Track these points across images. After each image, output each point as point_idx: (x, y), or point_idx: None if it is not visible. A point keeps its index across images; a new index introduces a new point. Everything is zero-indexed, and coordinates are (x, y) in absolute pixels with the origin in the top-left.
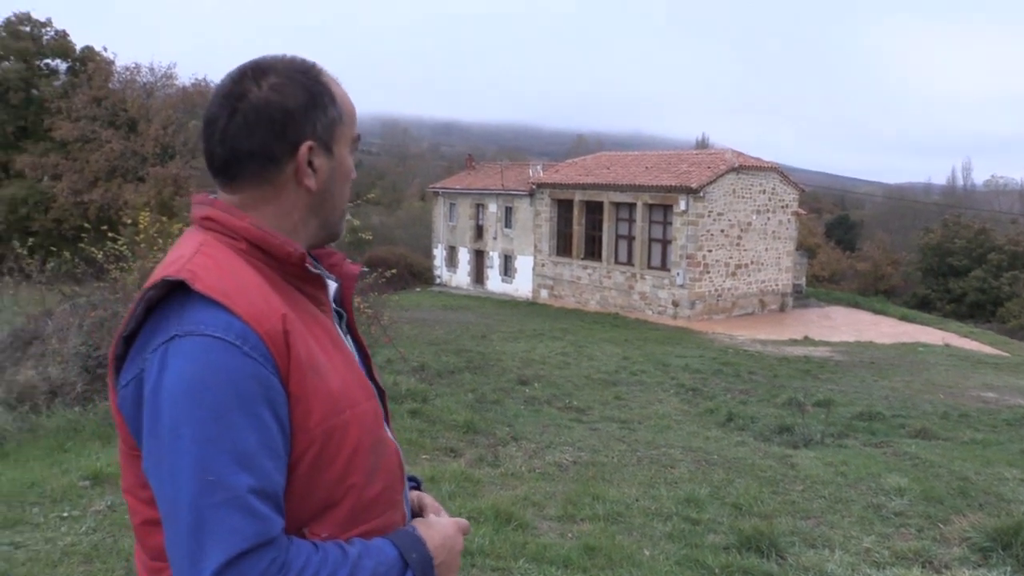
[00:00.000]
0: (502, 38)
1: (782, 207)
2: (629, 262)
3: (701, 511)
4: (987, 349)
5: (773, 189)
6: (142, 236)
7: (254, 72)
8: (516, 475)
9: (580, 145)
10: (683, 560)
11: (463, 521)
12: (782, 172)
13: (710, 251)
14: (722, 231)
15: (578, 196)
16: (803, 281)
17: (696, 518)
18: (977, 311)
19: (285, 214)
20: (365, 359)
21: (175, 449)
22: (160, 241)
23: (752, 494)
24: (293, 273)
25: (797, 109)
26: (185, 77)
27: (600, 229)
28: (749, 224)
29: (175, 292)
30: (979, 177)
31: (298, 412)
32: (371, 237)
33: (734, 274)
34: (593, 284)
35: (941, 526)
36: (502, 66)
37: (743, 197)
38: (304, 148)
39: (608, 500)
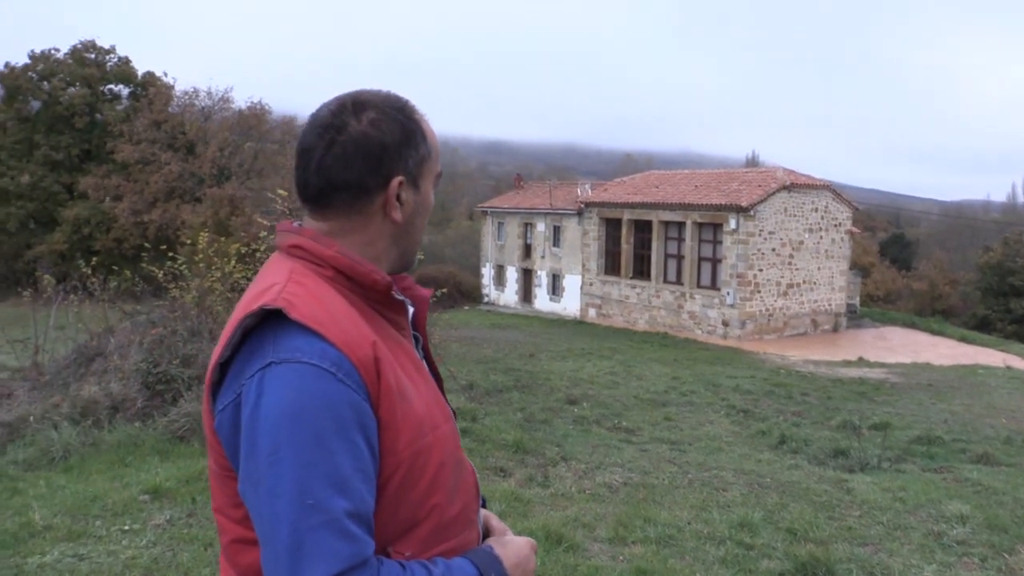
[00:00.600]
0: (549, 57)
1: (835, 225)
2: (678, 281)
3: (755, 536)
4: None
5: (826, 207)
6: (200, 256)
7: (354, 106)
8: (566, 496)
9: (628, 164)
10: None
11: (533, 540)
12: (835, 190)
13: (761, 270)
14: (773, 250)
15: (627, 215)
16: (857, 301)
17: (750, 543)
18: None
19: (370, 243)
20: (437, 380)
21: (274, 472)
22: (218, 261)
23: (807, 519)
24: (378, 300)
25: (849, 125)
26: (241, 101)
27: (649, 248)
28: (801, 243)
29: (269, 319)
30: None
31: (387, 437)
32: (422, 256)
33: (785, 293)
34: (642, 303)
35: (1006, 556)
36: (549, 85)
37: (794, 215)
38: (395, 182)
39: (659, 523)
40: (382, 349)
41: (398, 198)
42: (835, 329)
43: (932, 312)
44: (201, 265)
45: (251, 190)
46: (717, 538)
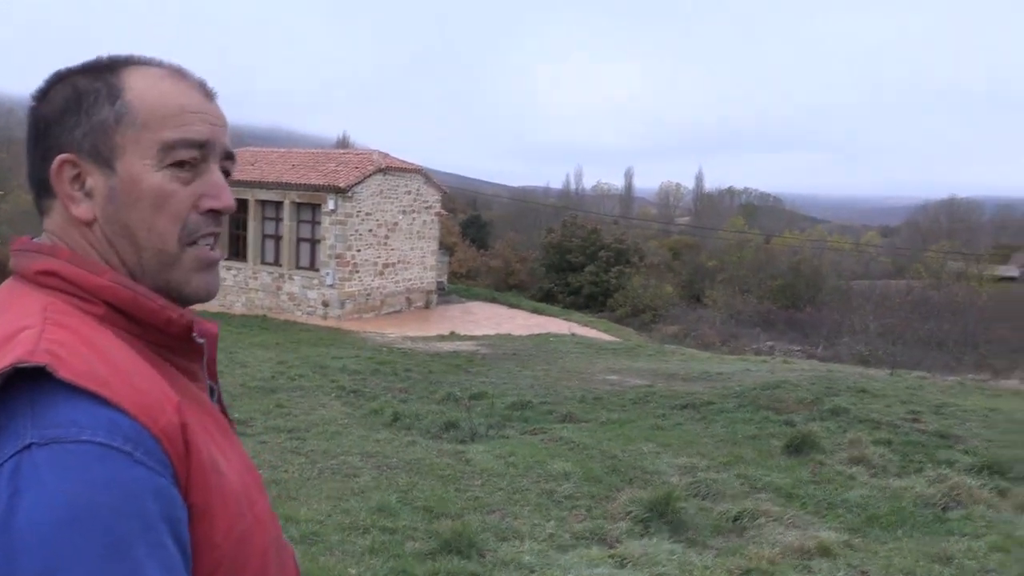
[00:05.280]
0: (127, 19)
1: (426, 207)
2: (276, 262)
3: (395, 519)
4: (605, 336)
5: (418, 190)
6: None
7: (49, 80)
8: None
9: (238, 140)
10: (391, 573)
11: None
12: (426, 174)
13: (359, 251)
14: (370, 231)
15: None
16: (445, 278)
17: (392, 527)
18: (592, 302)
19: (83, 257)
20: None
21: None
22: None
23: (438, 495)
24: (168, 345)
25: (430, 113)
26: None
27: (245, 228)
28: (396, 224)
29: (17, 381)
30: (588, 182)
31: (202, 527)
32: None
33: (382, 273)
34: (238, 285)
35: (605, 503)
36: (128, 47)
37: (390, 198)
38: (56, 163)
39: (301, 520)
40: (188, 411)
41: (81, 186)
42: (427, 306)
43: (507, 287)
44: None
45: None
46: (360, 527)
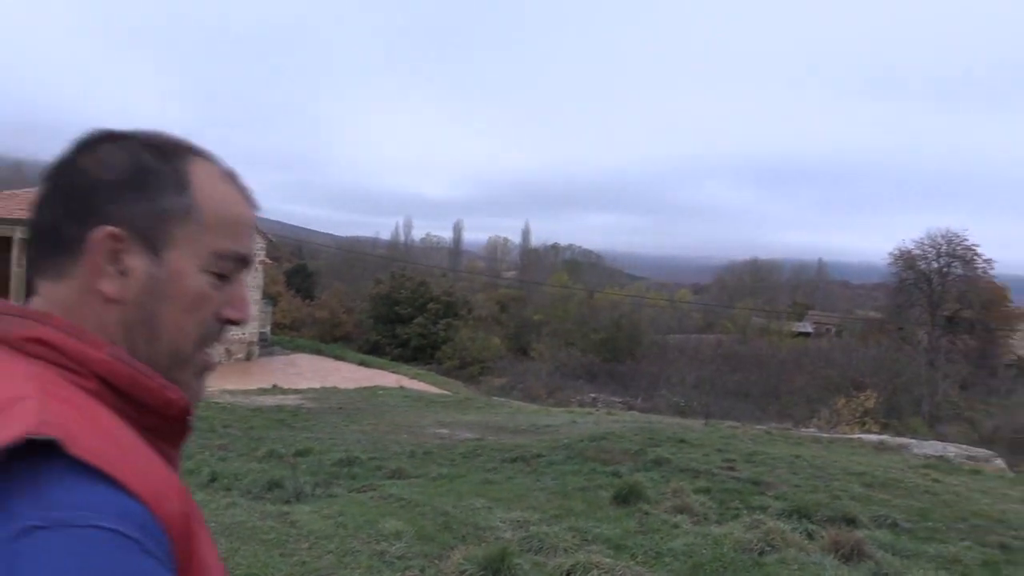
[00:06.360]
0: None
1: None
2: None
3: None
4: (433, 389)
5: None
6: None
7: (99, 138)
8: None
9: (19, 173)
10: None
11: None
12: None
13: None
14: None
15: (19, 234)
16: (268, 329)
17: None
18: (420, 354)
19: (81, 330)
20: None
21: None
22: None
23: (261, 561)
24: (157, 427)
25: (254, 158)
26: None
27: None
28: None
29: (11, 456)
30: (417, 234)
31: None
32: None
33: None
34: None
35: (438, 563)
36: None
37: None
38: (102, 232)
39: None
40: (191, 500)
41: (117, 262)
42: (248, 358)
43: (333, 339)
44: None
45: None
46: None
